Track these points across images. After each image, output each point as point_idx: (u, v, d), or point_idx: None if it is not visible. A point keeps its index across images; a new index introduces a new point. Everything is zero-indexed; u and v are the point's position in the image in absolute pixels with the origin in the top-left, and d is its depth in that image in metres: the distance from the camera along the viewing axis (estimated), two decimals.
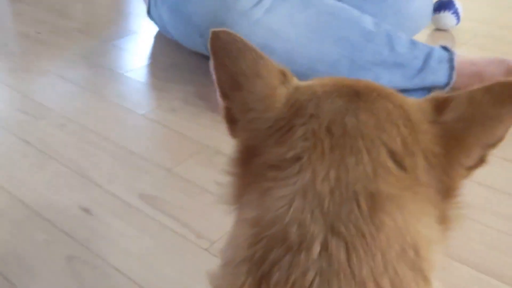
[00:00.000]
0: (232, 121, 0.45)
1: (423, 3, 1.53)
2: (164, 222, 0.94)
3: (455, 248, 0.88)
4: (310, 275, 0.35)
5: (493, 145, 0.40)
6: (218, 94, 0.46)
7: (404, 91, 1.25)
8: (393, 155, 0.39)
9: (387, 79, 1.25)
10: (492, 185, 1.04)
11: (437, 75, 1.28)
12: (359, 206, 0.37)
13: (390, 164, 0.39)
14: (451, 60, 1.29)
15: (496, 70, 1.26)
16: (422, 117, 0.41)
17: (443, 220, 0.41)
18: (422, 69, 1.27)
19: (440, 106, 0.41)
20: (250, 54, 0.43)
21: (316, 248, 0.36)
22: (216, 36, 0.43)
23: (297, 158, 0.39)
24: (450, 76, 1.28)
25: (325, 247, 0.36)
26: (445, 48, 1.33)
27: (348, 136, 0.39)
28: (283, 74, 0.44)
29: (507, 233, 0.92)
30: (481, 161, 0.41)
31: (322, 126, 0.40)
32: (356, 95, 0.42)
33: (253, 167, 0.41)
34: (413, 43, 1.30)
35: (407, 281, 0.36)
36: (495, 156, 0.42)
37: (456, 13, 1.73)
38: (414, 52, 1.28)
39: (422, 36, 1.73)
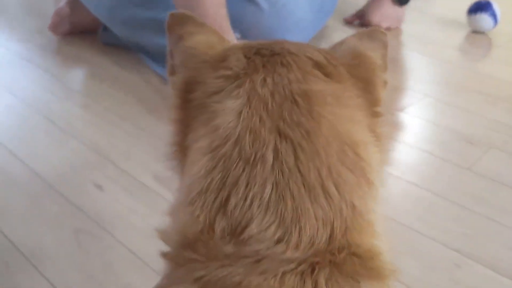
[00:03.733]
0: (174, 74, 0.48)
1: None
2: None
3: (470, 247, 0.85)
4: (268, 190, 0.35)
5: (385, 69, 0.49)
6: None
7: None
8: (318, 65, 0.42)
9: None
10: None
11: None
12: (297, 103, 0.38)
13: (317, 72, 0.41)
14: None
15: None
16: (333, 50, 0.48)
17: (376, 135, 0.42)
18: None
19: (339, 45, 0.49)
20: (196, 21, 0.49)
21: (269, 157, 0.36)
22: (172, 16, 0.49)
23: (235, 76, 0.41)
24: None
25: (276, 153, 0.36)
26: None
27: (276, 55, 0.42)
28: (224, 36, 0.49)
29: None
30: (385, 82, 0.48)
31: (252, 50, 0.43)
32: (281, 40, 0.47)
33: (195, 102, 0.42)
34: None
35: (350, 184, 0.37)
36: None
37: (493, 15, 1.68)
38: None
39: (458, 39, 1.70)
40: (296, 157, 0.36)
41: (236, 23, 1.39)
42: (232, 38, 1.20)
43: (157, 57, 1.38)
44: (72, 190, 0.97)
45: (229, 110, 0.39)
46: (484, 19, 1.69)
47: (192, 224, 0.36)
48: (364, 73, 0.45)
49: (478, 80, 1.43)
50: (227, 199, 0.36)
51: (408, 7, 1.74)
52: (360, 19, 1.76)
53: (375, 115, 0.44)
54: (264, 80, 0.40)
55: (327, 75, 0.42)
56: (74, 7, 1.60)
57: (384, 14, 1.71)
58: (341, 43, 0.49)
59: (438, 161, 1.07)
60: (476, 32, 1.73)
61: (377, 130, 0.43)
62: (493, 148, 1.12)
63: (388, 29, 1.72)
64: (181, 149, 0.43)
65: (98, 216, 0.91)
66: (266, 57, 0.42)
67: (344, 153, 0.37)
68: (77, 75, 1.46)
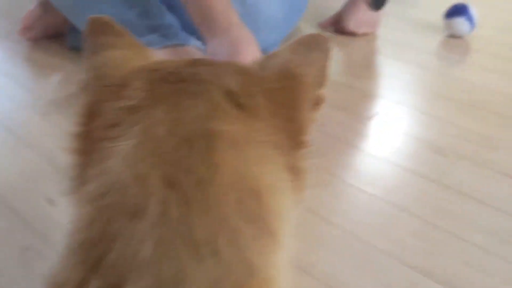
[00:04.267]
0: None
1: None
2: None
3: (428, 264, 0.82)
4: (148, 247, 0.31)
5: (322, 84, 0.44)
6: None
7: None
8: (230, 95, 0.38)
9: None
10: (482, 199, 0.97)
11: None
12: (195, 147, 0.34)
13: (227, 104, 0.37)
14: None
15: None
16: (259, 70, 0.43)
17: (295, 171, 0.38)
18: None
19: (267, 60, 0.44)
20: (116, 30, 0.45)
21: (155, 210, 0.31)
22: (91, 21, 0.46)
23: (133, 108, 0.36)
24: None
25: (163, 206, 0.32)
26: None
27: (184, 82, 0.38)
28: (143, 50, 0.45)
29: (488, 251, 0.86)
30: (320, 100, 0.43)
31: (158, 76, 0.39)
32: (204, 60, 0.43)
33: (94, 132, 0.38)
34: None
35: (246, 238, 0.32)
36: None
37: (470, 19, 1.66)
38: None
39: (435, 42, 1.67)
40: (184, 210, 0.32)
41: None
42: (246, 33, 1.18)
43: None
44: (23, 203, 0.94)
45: (119, 151, 0.34)
46: (460, 23, 1.67)
47: (68, 280, 0.32)
48: (288, 98, 0.40)
49: (452, 87, 1.40)
50: (103, 256, 0.31)
51: (383, 12, 1.72)
52: (335, 25, 1.73)
53: (297, 147, 0.40)
54: (164, 115, 0.35)
55: (239, 107, 0.37)
56: (47, 9, 1.56)
57: (360, 20, 1.68)
58: (274, 55, 0.45)
59: (405, 172, 1.04)
60: (453, 36, 1.71)
61: (297, 165, 0.39)
62: (463, 159, 1.09)
63: (365, 34, 1.70)
64: (82, 183, 0.39)
65: (47, 233, 0.87)
66: (173, 85, 0.37)
67: (242, 203, 0.33)
68: (43, 82, 1.42)
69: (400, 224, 0.90)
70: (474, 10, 1.66)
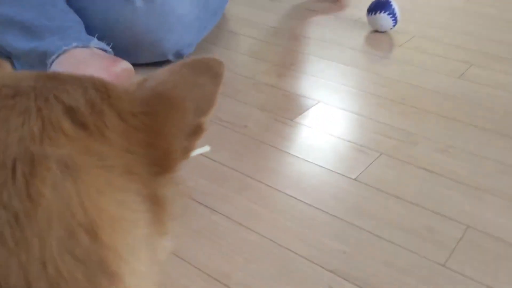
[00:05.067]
0: None
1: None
2: None
3: (347, 265, 0.81)
4: None
5: (205, 112, 0.39)
6: None
7: None
8: (71, 113, 0.33)
9: None
10: (402, 196, 0.97)
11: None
12: (14, 175, 0.29)
13: (66, 123, 0.32)
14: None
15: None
16: (124, 90, 0.38)
17: (155, 200, 0.34)
18: None
19: (142, 82, 0.39)
20: None
21: None
22: None
23: None
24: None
25: None
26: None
27: (19, 97, 0.33)
28: (2, 64, 0.39)
29: (408, 249, 0.85)
30: (199, 128, 0.39)
31: None
32: (53, 74, 0.37)
33: None
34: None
35: (75, 281, 0.28)
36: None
37: (393, 14, 1.67)
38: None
39: (360, 38, 1.68)
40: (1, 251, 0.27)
41: (110, 27, 1.30)
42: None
43: (19, 63, 1.27)
44: None
45: None
46: (383, 18, 1.67)
47: None
48: (150, 122, 0.36)
49: (374, 82, 1.41)
50: None
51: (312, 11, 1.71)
52: None
53: (159, 173, 0.36)
54: None
55: (81, 126, 0.33)
56: None
57: None
58: (156, 75, 0.40)
59: (324, 172, 1.03)
60: (377, 31, 1.72)
61: (158, 193, 0.35)
62: (383, 155, 1.09)
63: None
64: None
65: None
66: (4, 101, 0.32)
67: (73, 240, 0.28)
68: None
69: (320, 227, 0.89)
70: (396, 5, 1.68)
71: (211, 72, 0.40)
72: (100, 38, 1.27)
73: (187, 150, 0.38)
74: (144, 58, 1.37)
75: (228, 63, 1.40)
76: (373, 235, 0.87)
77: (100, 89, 0.36)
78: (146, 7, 1.27)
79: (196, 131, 0.39)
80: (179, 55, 1.40)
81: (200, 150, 1.05)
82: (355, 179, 1.01)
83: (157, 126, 0.36)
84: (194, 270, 0.79)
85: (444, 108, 1.27)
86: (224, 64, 0.42)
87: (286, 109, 1.25)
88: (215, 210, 0.91)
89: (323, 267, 0.80)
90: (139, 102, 0.36)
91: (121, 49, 1.29)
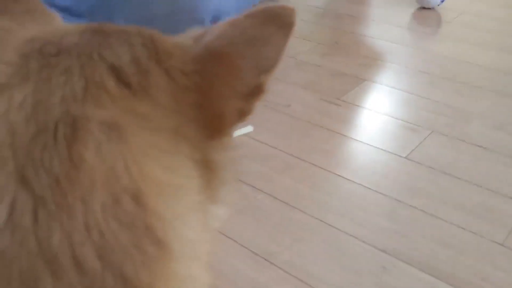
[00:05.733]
0: None
1: None
2: None
3: (401, 246, 0.77)
4: None
5: (267, 70, 0.34)
6: None
7: None
8: (115, 71, 0.30)
9: None
10: (457, 174, 0.92)
11: None
12: (56, 138, 0.27)
13: (109, 82, 0.30)
14: None
15: None
16: (182, 45, 0.34)
17: (207, 164, 0.32)
18: None
19: (200, 36, 0.34)
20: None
21: (2, 214, 0.25)
22: None
23: None
24: None
25: (12, 210, 0.25)
26: None
27: (62, 55, 0.30)
28: (52, 17, 0.37)
29: (464, 228, 0.81)
30: (258, 89, 0.34)
31: (34, 49, 0.31)
32: (101, 27, 0.34)
33: None
34: None
35: (121, 246, 0.26)
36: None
37: None
38: None
39: (407, 15, 1.62)
40: (35, 217, 0.25)
41: None
42: None
43: None
44: None
45: None
46: None
47: None
48: (201, 82, 0.33)
49: (424, 60, 1.35)
50: None
51: None
52: None
53: (211, 137, 0.33)
54: (25, 100, 0.29)
55: (126, 86, 0.30)
56: None
57: None
58: (216, 28, 0.36)
59: (372, 150, 0.99)
60: (425, 8, 1.65)
61: (210, 158, 0.33)
62: (435, 132, 1.04)
63: None
64: None
65: None
66: (46, 59, 0.30)
67: (117, 206, 0.27)
68: None
69: (371, 206, 0.85)
70: None
71: (279, 21, 0.35)
72: (137, 7, 1.25)
73: (244, 112, 0.35)
74: (182, 29, 1.35)
75: None
76: (427, 214, 0.83)
77: (148, 44, 0.33)
78: None
79: (255, 92, 0.35)
80: (215, 22, 1.37)
81: (243, 130, 1.03)
82: (406, 157, 0.97)
83: (209, 86, 0.33)
84: (241, 249, 0.76)
85: (498, 84, 1.21)
86: (296, 11, 0.36)
87: (331, 88, 1.21)
88: (259, 189, 0.88)
89: (375, 247, 0.77)
90: (191, 59, 0.33)
91: (159, 19, 1.28)
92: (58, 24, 0.39)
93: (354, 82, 1.23)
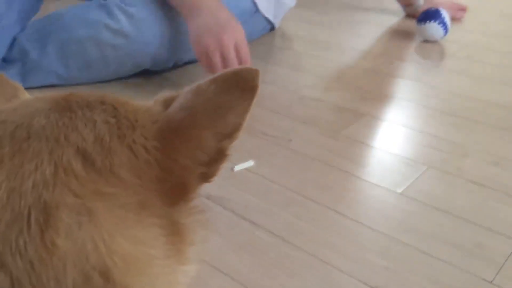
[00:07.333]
0: None
1: None
2: None
3: (392, 283, 0.80)
4: None
5: (230, 135, 0.36)
6: None
7: None
8: (81, 153, 0.32)
9: None
10: (449, 210, 0.95)
11: None
12: (29, 224, 0.30)
13: (77, 164, 0.32)
14: None
15: None
16: (146, 115, 0.36)
17: (174, 230, 0.34)
18: None
19: (167, 102, 0.37)
20: None
21: None
22: None
23: None
24: None
25: None
26: None
27: (32, 139, 0.33)
28: (16, 90, 0.40)
29: (454, 265, 0.83)
30: (220, 154, 0.36)
31: (6, 131, 0.33)
32: (66, 103, 0.36)
33: None
34: None
35: None
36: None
37: (443, 23, 1.64)
38: None
39: (409, 48, 1.66)
40: None
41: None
42: (230, 14, 1.21)
43: None
44: None
45: None
46: (433, 27, 1.65)
47: None
48: (164, 157, 0.34)
49: (425, 94, 1.38)
50: None
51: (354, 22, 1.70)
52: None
53: (173, 204, 0.35)
54: (1, 185, 0.31)
55: (93, 167, 0.32)
56: None
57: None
58: (177, 97, 0.38)
59: (369, 186, 1.02)
60: (427, 41, 1.69)
61: (176, 222, 0.35)
62: (431, 168, 1.06)
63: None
64: None
65: None
66: (19, 144, 0.32)
67: (88, 283, 0.29)
68: None
69: (364, 242, 0.88)
70: (446, 14, 1.65)
71: (242, 85, 0.36)
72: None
73: (207, 176, 0.37)
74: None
75: (273, 77, 1.41)
76: (419, 251, 0.85)
77: (110, 119, 0.35)
78: None
79: (218, 158, 0.37)
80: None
81: (245, 164, 1.06)
82: (401, 193, 0.99)
83: (170, 161, 0.35)
84: (235, 284, 0.79)
85: (496, 119, 1.24)
86: (258, 72, 0.37)
87: (331, 122, 1.24)
88: (258, 225, 0.91)
89: (366, 284, 0.79)
90: (153, 135, 0.35)
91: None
92: (24, 97, 0.41)
93: (354, 117, 1.27)
